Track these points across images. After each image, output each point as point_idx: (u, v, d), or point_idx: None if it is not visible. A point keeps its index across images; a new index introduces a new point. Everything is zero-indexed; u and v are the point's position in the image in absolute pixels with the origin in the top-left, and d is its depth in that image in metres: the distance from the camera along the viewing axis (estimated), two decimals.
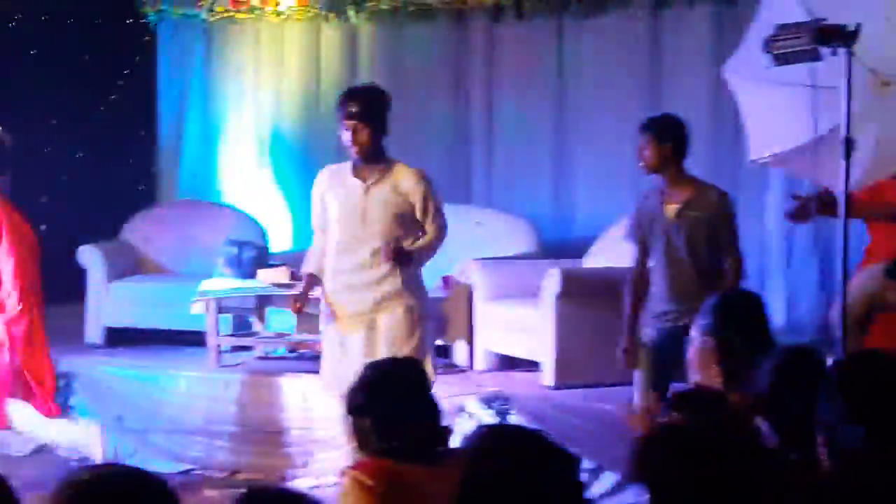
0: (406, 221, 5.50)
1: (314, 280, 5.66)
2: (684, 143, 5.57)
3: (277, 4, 9.25)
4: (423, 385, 3.38)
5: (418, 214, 5.51)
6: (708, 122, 7.74)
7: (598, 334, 6.78)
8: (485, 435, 2.40)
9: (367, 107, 5.44)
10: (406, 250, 5.43)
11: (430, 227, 5.53)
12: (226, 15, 9.46)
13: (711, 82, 7.41)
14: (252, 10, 9.37)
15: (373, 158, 5.48)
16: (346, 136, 5.45)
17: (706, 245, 5.44)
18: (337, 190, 5.58)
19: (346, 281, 5.50)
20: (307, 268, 5.70)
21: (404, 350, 5.27)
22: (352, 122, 5.41)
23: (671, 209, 5.50)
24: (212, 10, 9.43)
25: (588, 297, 6.86)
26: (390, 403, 3.29)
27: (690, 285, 5.39)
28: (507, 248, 8.00)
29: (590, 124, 8.57)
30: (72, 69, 9.61)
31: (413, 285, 5.51)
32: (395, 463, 3.19)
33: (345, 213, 5.52)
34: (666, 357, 5.31)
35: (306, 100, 9.49)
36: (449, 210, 8.42)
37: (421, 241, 5.54)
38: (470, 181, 9.00)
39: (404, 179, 5.50)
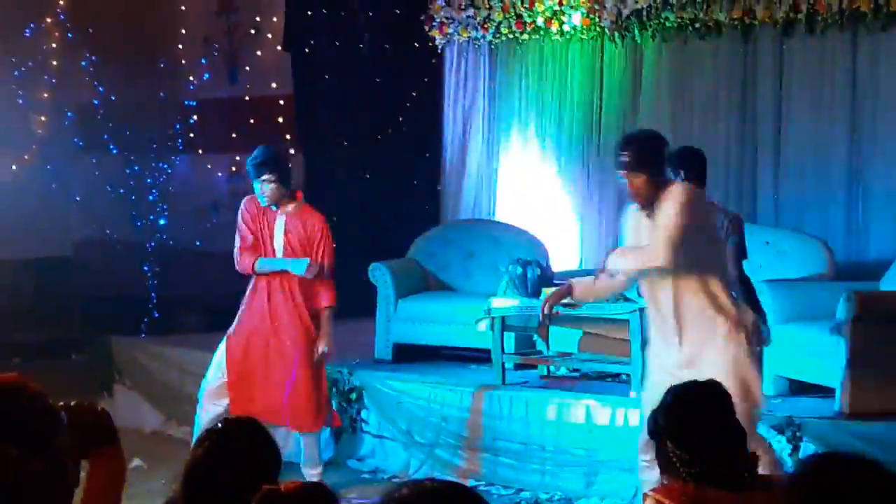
0: None
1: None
2: None
3: (562, 24, 9.29)
4: (727, 409, 3.29)
5: None
6: None
7: (894, 361, 6.50)
8: (822, 463, 2.30)
9: (637, 155, 5.22)
10: None
11: None
12: (510, 36, 9.59)
13: None
14: (536, 30, 9.46)
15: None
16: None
17: None
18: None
19: None
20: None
21: None
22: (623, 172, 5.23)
23: None
24: (497, 33, 9.58)
25: (885, 322, 6.56)
26: (692, 427, 3.23)
27: None
28: (797, 268, 7.75)
29: (886, 142, 8.23)
30: (363, 93, 9.96)
31: None
32: (700, 488, 3.12)
33: None
34: None
35: (589, 119, 9.49)
36: None
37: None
38: (757, 200, 8.78)
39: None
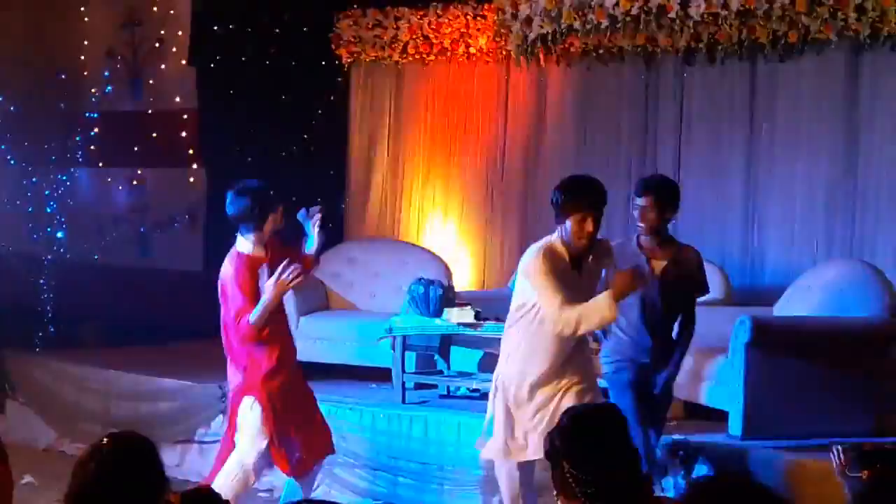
0: None
1: None
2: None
3: (468, 47, 9.36)
4: (622, 431, 3.33)
5: None
6: None
7: (788, 385, 6.62)
8: (711, 485, 2.34)
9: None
10: None
11: None
12: (417, 57, 9.63)
13: None
14: (443, 52, 9.51)
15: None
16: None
17: None
18: None
19: None
20: None
21: None
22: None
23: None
24: (404, 53, 9.62)
25: (779, 347, 6.67)
26: (587, 449, 3.26)
27: None
28: None
29: (782, 170, 8.40)
30: (269, 109, 9.90)
31: None
32: None
33: None
34: None
35: (495, 141, 9.56)
36: None
37: None
38: None
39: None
